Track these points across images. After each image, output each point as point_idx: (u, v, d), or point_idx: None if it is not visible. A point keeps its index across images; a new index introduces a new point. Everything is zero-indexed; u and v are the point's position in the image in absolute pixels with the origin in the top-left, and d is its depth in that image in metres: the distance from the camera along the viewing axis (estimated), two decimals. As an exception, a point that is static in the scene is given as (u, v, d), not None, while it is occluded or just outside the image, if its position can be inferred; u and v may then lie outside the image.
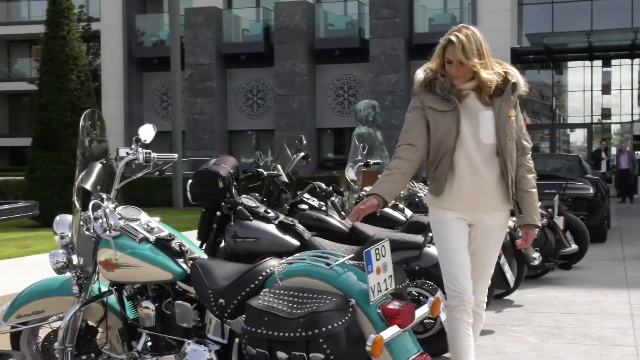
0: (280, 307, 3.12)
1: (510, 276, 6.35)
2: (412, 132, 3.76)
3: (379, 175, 7.79)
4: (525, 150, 3.87)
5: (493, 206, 3.79)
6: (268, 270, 3.43)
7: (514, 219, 6.98)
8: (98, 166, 3.82)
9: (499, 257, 5.87)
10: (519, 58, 24.82)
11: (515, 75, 3.78)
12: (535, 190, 3.87)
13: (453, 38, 3.67)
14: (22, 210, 3.11)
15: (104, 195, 3.77)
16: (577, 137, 29.20)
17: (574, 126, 29.78)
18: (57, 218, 3.83)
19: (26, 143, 16.88)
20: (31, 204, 3.14)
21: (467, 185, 3.71)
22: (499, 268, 5.88)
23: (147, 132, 3.87)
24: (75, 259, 3.72)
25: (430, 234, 4.94)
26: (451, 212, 3.77)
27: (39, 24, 28.13)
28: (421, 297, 4.93)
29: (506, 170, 3.73)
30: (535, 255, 7.11)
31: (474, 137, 3.70)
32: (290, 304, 3.12)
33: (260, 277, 3.42)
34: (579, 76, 29.02)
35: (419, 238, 4.97)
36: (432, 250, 4.92)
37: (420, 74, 3.82)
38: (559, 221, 8.19)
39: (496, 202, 3.79)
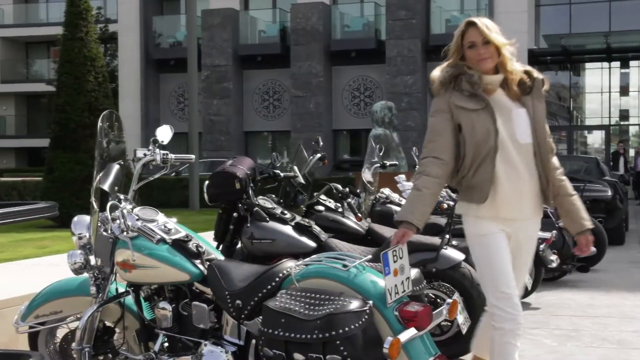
0: (297, 308, 3.11)
1: (527, 279, 6.31)
2: (437, 143, 3.47)
3: (395, 177, 7.77)
4: (554, 152, 3.61)
5: (532, 212, 3.57)
6: (285, 272, 3.43)
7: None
8: (116, 167, 3.83)
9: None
10: (536, 59, 24.70)
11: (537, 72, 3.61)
12: (575, 192, 3.63)
13: (474, 19, 3.54)
14: (42, 211, 3.11)
15: (122, 196, 3.78)
16: (595, 139, 29.02)
17: (591, 128, 29.60)
18: (75, 219, 3.84)
19: (44, 144, 16.98)
20: (50, 204, 3.15)
21: (510, 191, 3.45)
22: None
23: (164, 133, 3.88)
24: (92, 259, 3.74)
25: (447, 236, 4.92)
26: (491, 223, 3.49)
27: (57, 25, 28.34)
28: (438, 300, 4.91)
29: (544, 172, 3.51)
30: (553, 257, 7.06)
31: (510, 137, 3.45)
32: (307, 306, 3.11)
33: (277, 279, 3.42)
34: (597, 77, 28.85)
35: (436, 240, 4.95)
36: (449, 252, 4.91)
37: (438, 72, 3.56)
38: (577, 223, 8.13)
39: (535, 208, 3.56)
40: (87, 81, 13.80)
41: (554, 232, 7.22)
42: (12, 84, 39.24)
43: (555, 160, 3.59)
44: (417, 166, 3.58)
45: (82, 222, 3.82)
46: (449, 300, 3.42)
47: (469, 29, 3.53)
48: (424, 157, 3.51)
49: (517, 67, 3.55)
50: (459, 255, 4.88)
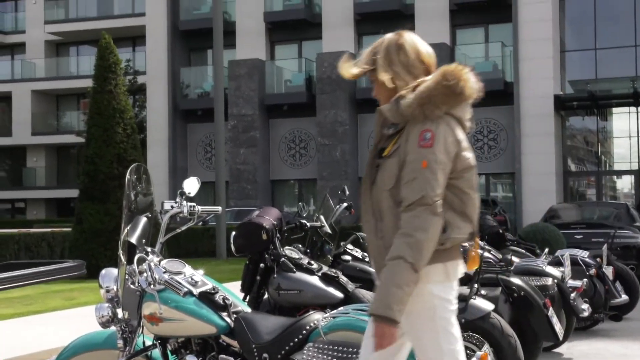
0: (324, 362, 3.08)
1: (558, 328, 6.19)
2: None
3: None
4: (404, 204, 2.65)
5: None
6: (312, 324, 3.40)
7: (561, 268, 6.91)
8: (143, 220, 3.85)
9: (547, 309, 5.75)
10: (562, 105, 24.67)
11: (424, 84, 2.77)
12: (393, 262, 2.59)
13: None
14: (69, 270, 3.16)
15: (149, 249, 3.80)
16: (624, 184, 28.73)
17: (620, 173, 29.32)
18: (103, 272, 3.86)
19: (73, 194, 17.19)
20: (78, 263, 3.19)
21: None
22: (547, 320, 5.76)
23: (191, 185, 3.91)
24: (120, 312, 3.74)
25: (476, 286, 4.87)
26: None
27: (87, 78, 28.85)
28: (468, 351, 4.83)
29: (374, 231, 2.77)
30: (585, 306, 6.95)
31: None
32: (335, 359, 3.08)
33: (304, 331, 3.39)
34: (625, 122, 28.66)
35: (465, 290, 4.89)
36: (478, 302, 4.84)
37: None
38: (608, 271, 8.02)
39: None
40: (115, 133, 14.01)
41: (585, 280, 7.12)
42: (43, 135, 39.90)
43: (404, 217, 2.66)
44: None
45: (109, 275, 3.83)
46: (479, 353, 3.37)
47: None
48: None
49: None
50: (488, 306, 4.81)
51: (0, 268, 3.59)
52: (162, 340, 3.74)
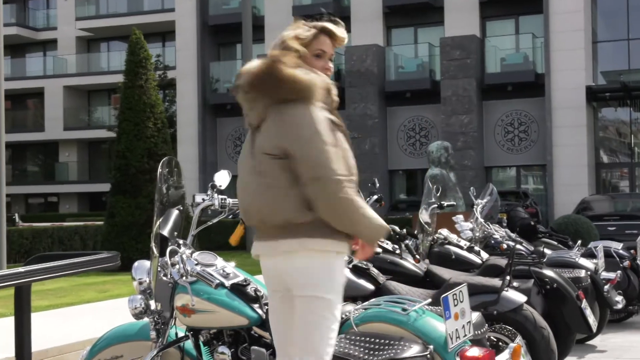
0: (356, 353, 3.08)
1: (592, 320, 6.14)
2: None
3: (453, 218, 7.72)
4: None
5: None
6: (344, 316, 3.40)
7: (595, 260, 6.84)
8: (175, 212, 3.87)
9: (580, 301, 5.71)
10: (594, 96, 24.37)
11: None
12: None
13: (332, 27, 3.10)
14: (104, 262, 3.19)
15: (181, 241, 3.82)
16: (658, 176, 28.32)
17: (654, 164, 28.94)
18: (136, 264, 3.89)
19: (105, 188, 17.36)
20: (112, 254, 3.22)
21: None
22: (580, 312, 5.70)
23: (222, 178, 3.93)
24: (152, 304, 3.77)
25: (508, 278, 4.83)
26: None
27: (117, 73, 29.09)
28: (500, 343, 4.80)
29: None
30: (618, 298, 6.87)
31: None
32: (367, 351, 3.08)
33: (336, 323, 3.39)
34: (658, 113, 28.27)
35: (497, 282, 4.86)
36: (510, 294, 4.81)
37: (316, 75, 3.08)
38: (643, 263, 7.93)
39: None
40: (146, 127, 14.10)
41: (619, 272, 7.04)
42: (75, 130, 40.32)
43: None
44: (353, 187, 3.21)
45: (142, 267, 3.87)
46: (512, 345, 3.35)
47: (322, 35, 3.11)
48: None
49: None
50: (520, 297, 4.78)
51: (35, 260, 3.63)
52: (194, 332, 3.77)
